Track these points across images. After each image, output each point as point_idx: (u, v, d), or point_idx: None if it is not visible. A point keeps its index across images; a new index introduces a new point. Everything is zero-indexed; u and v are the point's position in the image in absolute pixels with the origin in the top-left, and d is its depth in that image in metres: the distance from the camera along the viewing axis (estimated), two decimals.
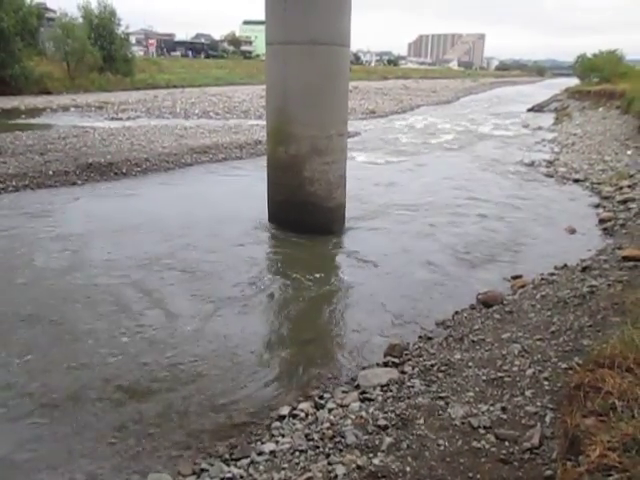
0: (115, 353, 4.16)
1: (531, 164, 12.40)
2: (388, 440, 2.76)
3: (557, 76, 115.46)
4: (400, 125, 20.48)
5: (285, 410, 3.50)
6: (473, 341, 4.01)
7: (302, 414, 3.42)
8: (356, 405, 3.32)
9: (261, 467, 2.88)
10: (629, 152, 12.13)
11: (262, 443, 3.15)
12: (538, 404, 2.90)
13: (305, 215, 7.02)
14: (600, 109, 21.29)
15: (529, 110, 28.38)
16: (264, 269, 6.06)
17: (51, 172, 9.73)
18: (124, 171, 10.34)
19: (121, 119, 18.97)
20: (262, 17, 6.94)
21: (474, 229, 7.58)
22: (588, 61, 35.48)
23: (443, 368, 3.59)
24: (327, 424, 3.12)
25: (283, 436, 3.18)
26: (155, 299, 5.12)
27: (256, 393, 3.77)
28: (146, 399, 3.66)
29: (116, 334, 4.45)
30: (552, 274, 5.57)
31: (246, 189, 9.39)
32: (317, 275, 5.84)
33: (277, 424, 3.36)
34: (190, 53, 64.83)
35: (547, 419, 2.75)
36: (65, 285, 5.36)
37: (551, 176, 11.11)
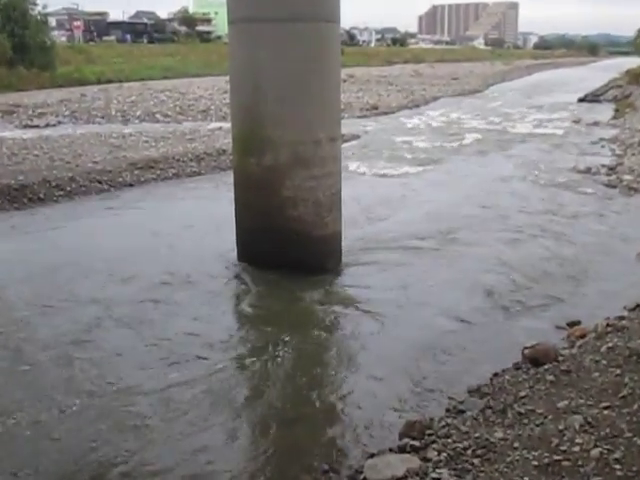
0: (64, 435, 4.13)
1: (587, 171, 12.59)
2: None
3: (614, 55, 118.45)
4: (412, 124, 20.79)
5: None
6: (519, 413, 4.00)
7: None
8: None
9: None
10: None
11: None
12: None
13: (287, 249, 7.04)
14: None
15: (580, 100, 28.95)
16: (235, 324, 6.05)
17: None
18: (42, 196, 10.34)
19: (38, 126, 19.07)
20: None
21: (514, 261, 7.63)
22: None
23: (480, 452, 3.57)
24: None
25: None
26: (98, 364, 5.12)
27: None
28: None
29: (58, 410, 4.42)
30: (621, 318, 5.59)
31: (207, 216, 9.43)
32: (306, 330, 5.82)
33: None
34: (129, 37, 65.87)
35: None
36: None
37: (614, 186, 11.28)
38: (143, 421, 4.42)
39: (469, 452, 3.59)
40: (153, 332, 5.79)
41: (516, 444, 3.55)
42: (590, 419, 3.62)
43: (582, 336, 5.33)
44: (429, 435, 4.03)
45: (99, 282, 6.93)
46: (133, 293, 6.69)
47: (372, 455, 3.94)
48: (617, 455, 3.17)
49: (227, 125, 15.13)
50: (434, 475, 3.42)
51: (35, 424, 4.33)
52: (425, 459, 3.69)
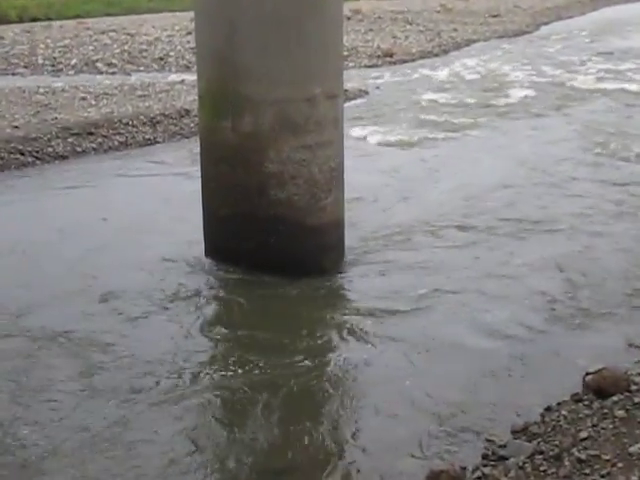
0: None
1: None
2: None
3: None
4: (438, 76, 20.68)
5: None
6: (579, 460, 4.00)
7: None
8: None
9: None
10: None
11: None
12: None
13: (271, 242, 7.05)
14: None
15: None
16: (204, 345, 6.04)
17: None
18: None
19: None
20: None
21: (576, 256, 7.67)
22: None
23: None
24: None
25: None
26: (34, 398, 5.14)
27: None
28: None
29: None
30: None
31: (163, 200, 9.44)
32: (295, 352, 5.83)
33: None
34: None
35: None
36: None
37: None
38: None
39: None
40: (96, 359, 5.80)
41: None
42: None
43: None
44: None
45: (39, 285, 6.97)
46: (83, 298, 6.72)
47: None
48: None
49: (192, 77, 15.05)
50: None
51: None
52: None
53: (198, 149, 7.66)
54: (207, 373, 5.61)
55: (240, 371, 5.57)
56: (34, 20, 35.43)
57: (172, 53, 23.08)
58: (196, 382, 5.47)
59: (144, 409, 5.07)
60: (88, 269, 7.40)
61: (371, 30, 30.84)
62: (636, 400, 4.59)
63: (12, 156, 11.06)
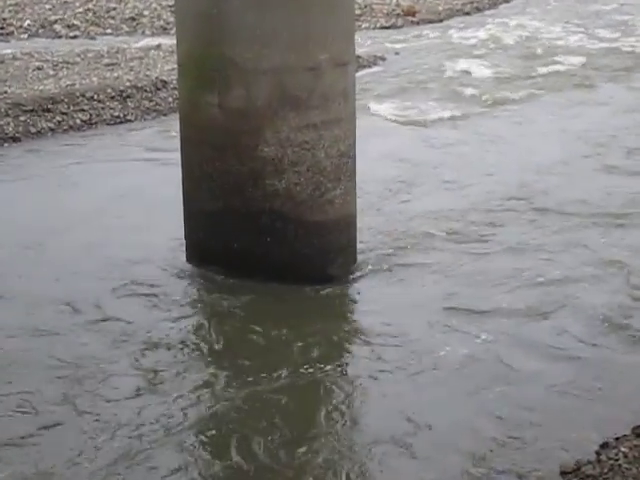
0: None
1: None
2: None
3: None
4: (471, 40, 20.60)
5: None
6: None
7: None
8: None
9: None
10: None
11: None
12: None
13: (266, 243, 7.07)
14: None
15: None
16: (180, 368, 6.04)
17: None
18: None
19: None
20: None
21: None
22: None
23: None
24: None
25: None
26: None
27: None
28: None
29: None
30: None
31: (135, 192, 9.45)
32: (294, 380, 5.82)
33: None
34: None
35: None
36: None
37: None
38: None
39: None
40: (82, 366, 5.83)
41: None
42: None
43: None
44: None
45: None
46: (38, 314, 6.73)
47: None
48: None
49: (170, 42, 15.05)
50: None
51: None
52: None
53: (178, 129, 7.66)
54: (185, 390, 5.60)
55: (230, 394, 5.56)
56: None
57: (146, 12, 23.00)
58: (192, 397, 5.51)
59: (153, 410, 5.10)
60: (49, 266, 7.50)
61: None
62: None
63: None
